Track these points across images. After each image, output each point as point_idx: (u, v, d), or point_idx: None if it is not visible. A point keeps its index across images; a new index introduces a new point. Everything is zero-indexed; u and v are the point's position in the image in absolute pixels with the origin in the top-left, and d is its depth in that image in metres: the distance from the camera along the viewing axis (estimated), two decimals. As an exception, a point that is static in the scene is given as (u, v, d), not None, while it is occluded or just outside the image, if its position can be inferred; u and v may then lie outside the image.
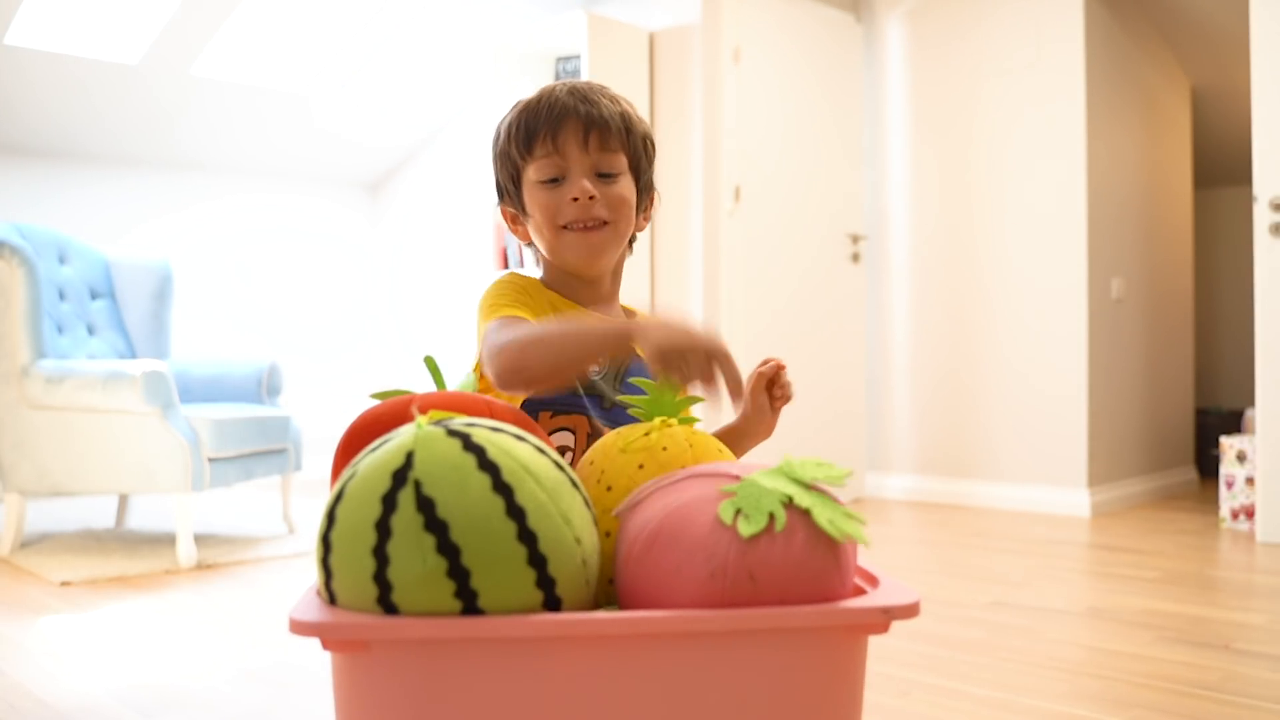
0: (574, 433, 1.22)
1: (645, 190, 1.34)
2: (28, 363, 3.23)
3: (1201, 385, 5.63)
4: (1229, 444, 3.82)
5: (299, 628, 0.77)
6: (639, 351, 1.06)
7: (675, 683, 0.79)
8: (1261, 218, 3.57)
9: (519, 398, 1.20)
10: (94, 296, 3.78)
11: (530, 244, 1.34)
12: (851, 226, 4.56)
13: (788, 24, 4.33)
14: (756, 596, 0.79)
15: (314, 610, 0.79)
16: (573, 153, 1.24)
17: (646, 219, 1.37)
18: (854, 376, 4.55)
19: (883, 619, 0.80)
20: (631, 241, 1.35)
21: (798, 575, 0.80)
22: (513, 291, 1.27)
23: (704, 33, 4.19)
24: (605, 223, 1.27)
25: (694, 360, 0.97)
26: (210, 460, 3.23)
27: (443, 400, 0.97)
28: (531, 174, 1.27)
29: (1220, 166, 5.54)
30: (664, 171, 4.46)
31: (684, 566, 0.80)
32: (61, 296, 3.64)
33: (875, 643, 2.12)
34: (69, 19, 4.16)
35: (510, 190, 1.32)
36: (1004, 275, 4.31)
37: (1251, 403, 4.71)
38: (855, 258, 4.57)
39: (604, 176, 1.26)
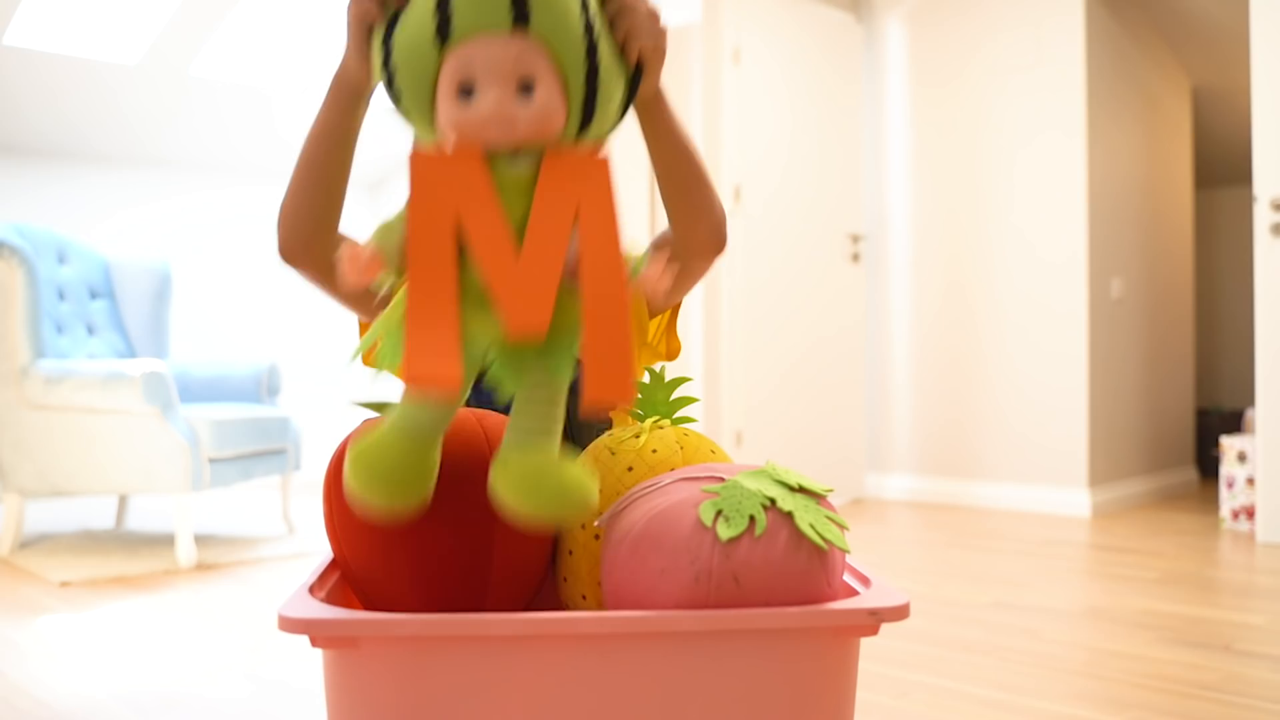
0: None
1: None
2: (27, 363, 3.24)
3: (1201, 385, 5.62)
4: (1229, 444, 3.81)
5: (288, 625, 0.77)
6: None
7: (660, 684, 0.78)
8: (1261, 218, 3.56)
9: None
10: (93, 297, 3.79)
11: None
12: (851, 226, 4.56)
13: (788, 24, 4.32)
14: (741, 599, 0.79)
15: (303, 608, 0.79)
16: None
17: None
18: (853, 376, 4.55)
19: (870, 621, 0.80)
20: None
21: (783, 578, 0.79)
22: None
23: (704, 33, 4.19)
24: None
25: None
26: (210, 460, 3.23)
27: None
28: None
29: (1220, 166, 5.53)
30: (664, 172, 4.45)
31: (668, 570, 0.79)
32: (61, 297, 3.65)
33: (875, 643, 2.12)
34: (67, 19, 4.16)
35: None
36: (1004, 275, 4.31)
37: (1251, 403, 4.71)
38: (855, 258, 4.57)
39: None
